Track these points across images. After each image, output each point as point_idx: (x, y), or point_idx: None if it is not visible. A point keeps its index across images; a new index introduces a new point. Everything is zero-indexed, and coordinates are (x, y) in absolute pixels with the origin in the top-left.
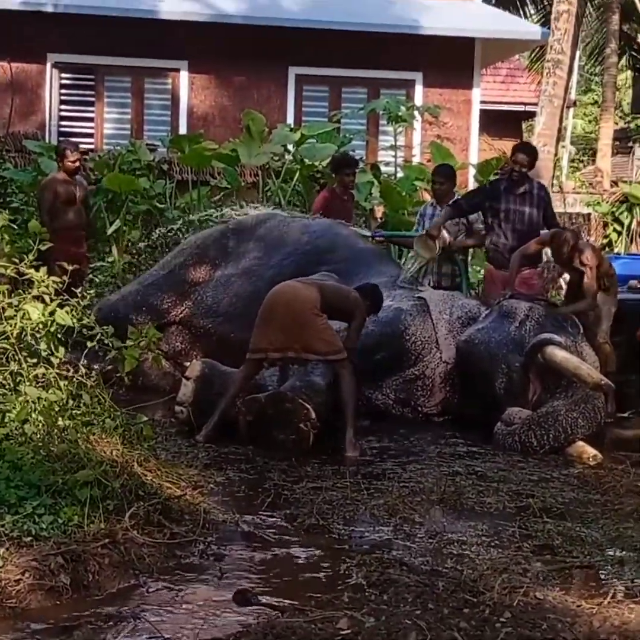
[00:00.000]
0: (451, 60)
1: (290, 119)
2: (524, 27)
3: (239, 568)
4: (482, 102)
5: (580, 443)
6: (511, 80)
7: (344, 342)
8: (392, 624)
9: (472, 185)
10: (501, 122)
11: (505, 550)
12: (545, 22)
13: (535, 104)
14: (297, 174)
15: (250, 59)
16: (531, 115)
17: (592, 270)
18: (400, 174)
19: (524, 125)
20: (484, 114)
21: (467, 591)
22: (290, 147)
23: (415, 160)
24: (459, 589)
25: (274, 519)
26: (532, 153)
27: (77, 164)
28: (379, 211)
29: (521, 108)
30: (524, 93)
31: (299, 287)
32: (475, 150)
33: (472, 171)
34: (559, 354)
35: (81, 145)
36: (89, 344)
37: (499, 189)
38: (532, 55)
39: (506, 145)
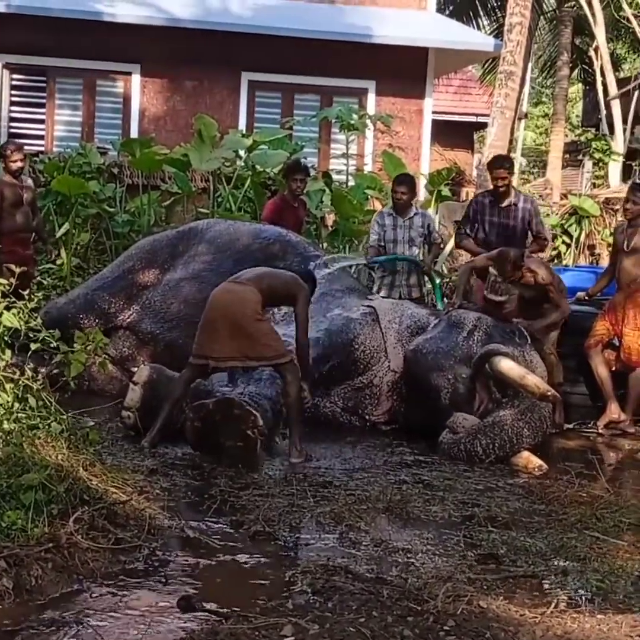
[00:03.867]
0: (404, 69)
1: (242, 125)
2: (477, 38)
3: (183, 574)
4: (435, 112)
5: (526, 453)
6: (464, 91)
7: (297, 337)
8: (337, 631)
9: (423, 195)
10: (453, 133)
11: (450, 559)
12: (498, 33)
13: (487, 115)
14: (249, 181)
15: (203, 63)
16: (483, 126)
17: (554, 285)
18: (351, 183)
19: (475, 136)
20: (436, 124)
21: (411, 599)
22: (241, 153)
23: (367, 168)
24: (403, 597)
25: (219, 526)
26: (507, 165)
27: (19, 164)
28: (330, 219)
29: (473, 119)
30: (476, 104)
31: (237, 291)
32: (426, 160)
33: (423, 181)
34: (506, 364)
35: (31, 147)
36: (33, 347)
37: (484, 202)
38: (485, 66)
39: (457, 156)
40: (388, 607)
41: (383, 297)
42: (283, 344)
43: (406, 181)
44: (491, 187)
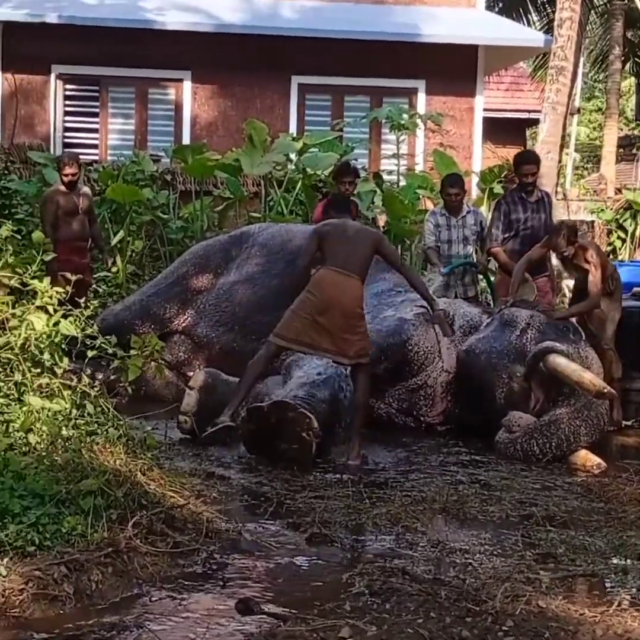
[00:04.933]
0: (454, 67)
1: (292, 128)
2: (527, 34)
3: (241, 577)
4: (486, 109)
5: (584, 451)
6: (515, 87)
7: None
8: (394, 633)
9: (475, 193)
10: (505, 130)
11: (508, 559)
12: (548, 29)
13: (539, 111)
14: (300, 184)
15: (253, 68)
16: (535, 122)
17: (597, 269)
18: (402, 183)
19: (527, 133)
20: (487, 121)
21: (469, 600)
22: (292, 156)
23: (418, 168)
24: (461, 598)
25: (276, 528)
26: (537, 160)
27: (70, 177)
28: (382, 220)
29: (525, 115)
30: (528, 100)
31: (347, 286)
32: (478, 158)
33: (475, 179)
34: (561, 362)
35: (85, 156)
36: (90, 354)
37: (514, 199)
38: (536, 62)
39: (510, 153)
40: (446, 608)
41: (438, 297)
42: (370, 345)
43: (457, 181)
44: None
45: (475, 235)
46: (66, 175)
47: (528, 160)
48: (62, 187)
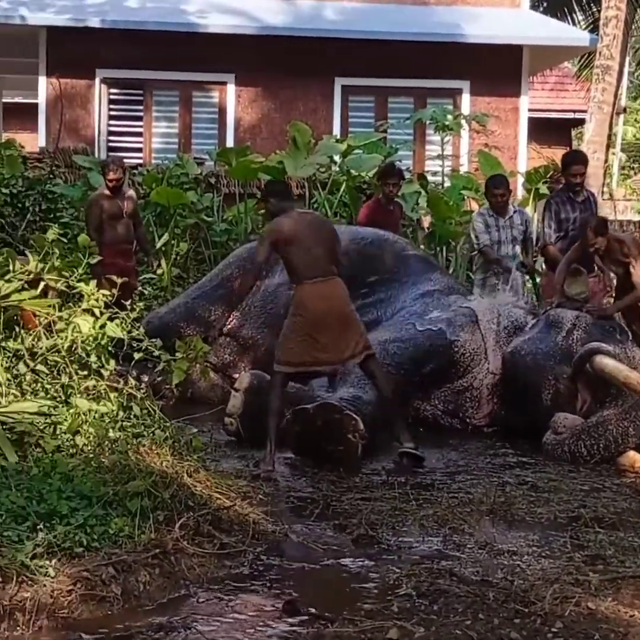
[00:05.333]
0: (499, 68)
1: (336, 130)
2: (572, 34)
3: (288, 578)
4: (531, 109)
5: (632, 452)
6: (560, 87)
7: None
8: (442, 634)
9: (520, 193)
10: (550, 130)
11: (556, 560)
12: (593, 28)
13: (585, 111)
14: (344, 185)
15: (296, 70)
16: (580, 122)
17: (637, 261)
18: (447, 184)
19: (573, 133)
20: (532, 121)
21: (518, 601)
22: (336, 158)
23: (463, 169)
24: (509, 599)
25: (322, 530)
26: (585, 160)
27: (115, 182)
28: (426, 221)
29: (570, 115)
30: (573, 100)
31: (330, 290)
32: (523, 159)
33: (520, 180)
34: (608, 363)
35: (130, 160)
36: (136, 356)
37: (563, 199)
38: (581, 61)
39: (555, 153)
40: (494, 609)
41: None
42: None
43: (502, 182)
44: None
45: (522, 235)
46: (111, 180)
47: (577, 160)
48: (107, 191)
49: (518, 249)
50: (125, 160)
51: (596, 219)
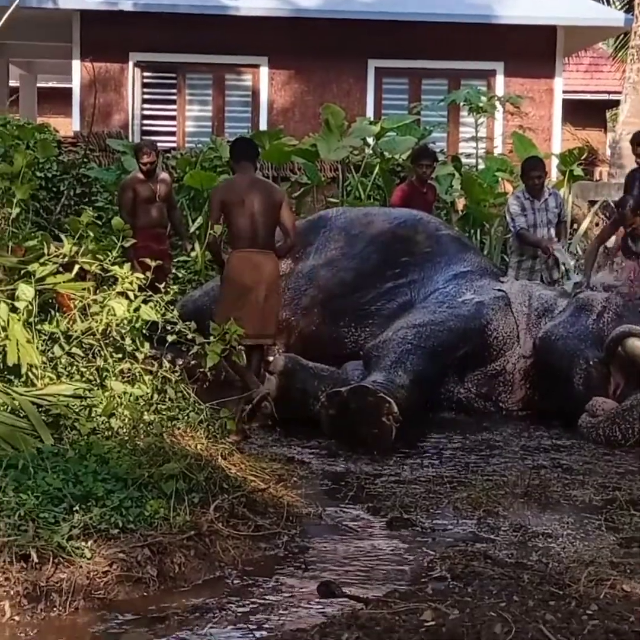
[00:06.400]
0: (533, 49)
1: (369, 112)
2: (607, 14)
3: (322, 560)
4: (565, 91)
5: None
6: (595, 68)
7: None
8: (477, 616)
9: (555, 175)
10: (585, 111)
11: (591, 543)
12: (629, 8)
13: (619, 92)
14: (377, 168)
15: (329, 53)
16: (616, 103)
17: None
18: (481, 166)
19: (608, 114)
20: (567, 103)
21: (552, 584)
22: (369, 140)
23: (497, 151)
24: (544, 582)
25: (357, 512)
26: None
27: (148, 166)
28: (460, 204)
29: (605, 97)
30: (608, 81)
31: (263, 259)
32: (558, 140)
33: (555, 161)
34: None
35: (163, 144)
36: (170, 339)
37: (633, 179)
38: (616, 42)
39: (590, 135)
40: (529, 591)
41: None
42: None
43: (539, 165)
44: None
45: (557, 218)
46: (144, 163)
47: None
48: (140, 175)
49: (553, 231)
50: (158, 144)
51: (635, 198)
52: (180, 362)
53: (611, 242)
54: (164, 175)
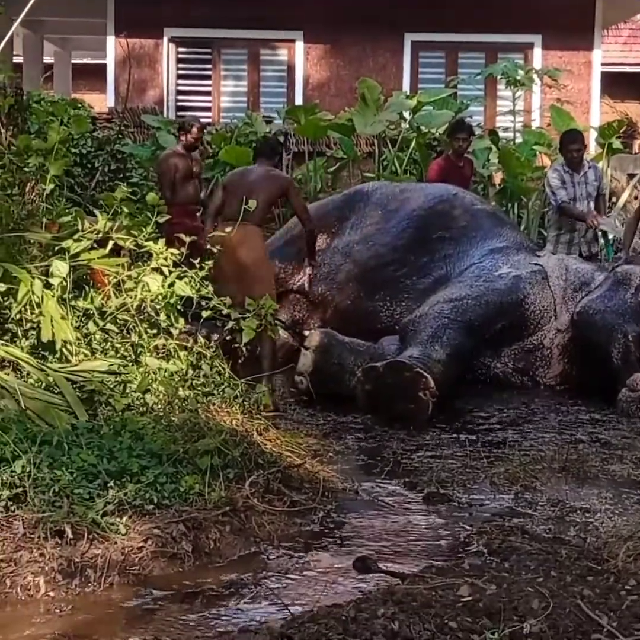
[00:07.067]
0: (571, 21)
1: (406, 86)
2: None
3: (358, 535)
4: (604, 63)
5: None
6: (633, 40)
7: (306, 227)
8: (514, 592)
9: (593, 148)
10: (623, 84)
11: (629, 517)
12: None
13: None
14: (413, 142)
15: (365, 27)
16: None
17: None
18: (519, 140)
19: None
20: (605, 75)
21: (590, 559)
22: (406, 114)
23: (535, 124)
24: (582, 557)
25: (393, 487)
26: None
27: (196, 142)
28: (497, 177)
29: None
30: None
31: (241, 234)
32: (596, 113)
33: (593, 134)
34: None
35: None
36: (205, 314)
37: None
38: None
39: (629, 108)
40: (567, 566)
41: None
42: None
43: (578, 138)
44: None
45: (596, 191)
46: (196, 138)
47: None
48: (180, 150)
49: (592, 205)
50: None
51: None
52: (215, 337)
53: None
54: (195, 152)
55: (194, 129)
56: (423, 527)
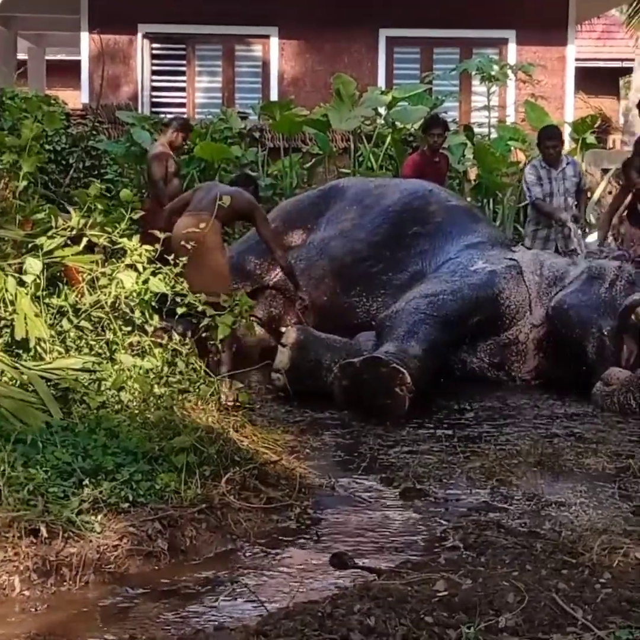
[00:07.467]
0: (545, 17)
1: (381, 82)
2: None
3: (335, 531)
4: (578, 59)
5: None
6: (607, 36)
7: (275, 256)
8: (490, 586)
9: (568, 143)
10: (598, 79)
11: (604, 511)
12: None
13: (633, 60)
14: (389, 138)
15: (340, 22)
16: (628, 71)
17: None
18: (494, 135)
19: (621, 82)
20: (579, 71)
21: (565, 552)
22: (381, 110)
23: (510, 120)
24: (557, 551)
25: (369, 483)
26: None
27: (185, 143)
28: (473, 173)
29: (618, 64)
30: (621, 49)
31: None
32: (570, 108)
33: (567, 130)
34: None
35: (173, 115)
36: (180, 311)
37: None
38: (629, 9)
39: (603, 103)
40: (542, 560)
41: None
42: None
43: (556, 133)
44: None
45: (575, 187)
46: (184, 138)
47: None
48: (168, 149)
49: (571, 200)
50: (168, 116)
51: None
52: (190, 334)
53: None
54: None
55: (186, 131)
56: (399, 522)
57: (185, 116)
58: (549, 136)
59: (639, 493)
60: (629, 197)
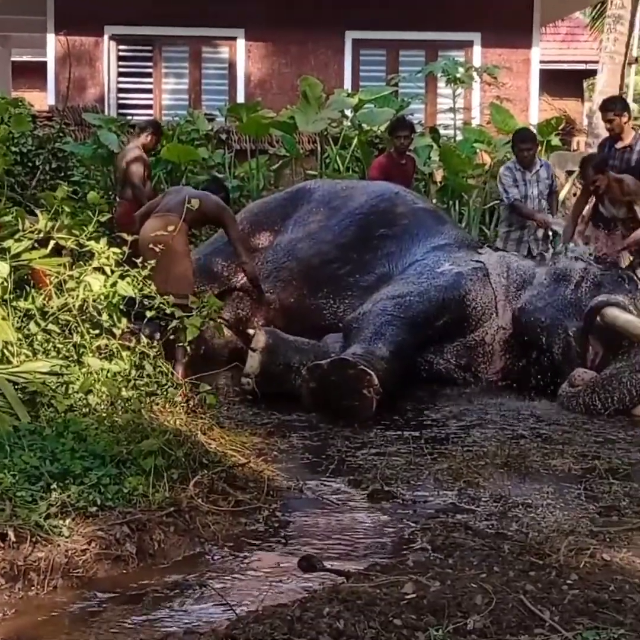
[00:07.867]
0: (510, 19)
1: (347, 84)
2: None
3: (303, 534)
4: (542, 61)
5: None
6: (571, 38)
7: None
8: (458, 588)
9: None
10: (562, 81)
11: (571, 512)
12: None
13: (596, 62)
14: (356, 140)
15: (306, 25)
16: (592, 73)
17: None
18: (459, 137)
19: (585, 84)
20: (544, 73)
21: (533, 554)
22: (348, 112)
23: (475, 122)
24: (524, 552)
25: (337, 485)
26: (618, 105)
27: (157, 145)
28: (439, 175)
29: (582, 66)
30: (585, 51)
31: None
32: (535, 111)
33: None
34: (618, 316)
35: (140, 117)
36: (148, 314)
37: (604, 147)
38: (593, 12)
39: (567, 105)
40: (509, 562)
41: (512, 252)
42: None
43: (529, 136)
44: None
45: (548, 189)
46: (157, 142)
47: (606, 108)
48: (142, 152)
49: (544, 203)
50: (134, 118)
51: (596, 156)
52: (158, 337)
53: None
54: None
55: (159, 134)
56: (367, 524)
57: (152, 118)
58: (523, 139)
59: (605, 494)
60: (592, 199)
